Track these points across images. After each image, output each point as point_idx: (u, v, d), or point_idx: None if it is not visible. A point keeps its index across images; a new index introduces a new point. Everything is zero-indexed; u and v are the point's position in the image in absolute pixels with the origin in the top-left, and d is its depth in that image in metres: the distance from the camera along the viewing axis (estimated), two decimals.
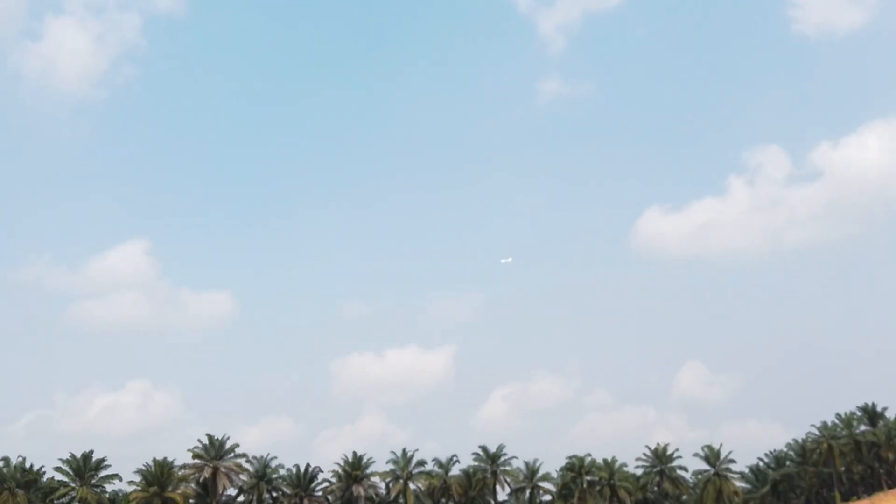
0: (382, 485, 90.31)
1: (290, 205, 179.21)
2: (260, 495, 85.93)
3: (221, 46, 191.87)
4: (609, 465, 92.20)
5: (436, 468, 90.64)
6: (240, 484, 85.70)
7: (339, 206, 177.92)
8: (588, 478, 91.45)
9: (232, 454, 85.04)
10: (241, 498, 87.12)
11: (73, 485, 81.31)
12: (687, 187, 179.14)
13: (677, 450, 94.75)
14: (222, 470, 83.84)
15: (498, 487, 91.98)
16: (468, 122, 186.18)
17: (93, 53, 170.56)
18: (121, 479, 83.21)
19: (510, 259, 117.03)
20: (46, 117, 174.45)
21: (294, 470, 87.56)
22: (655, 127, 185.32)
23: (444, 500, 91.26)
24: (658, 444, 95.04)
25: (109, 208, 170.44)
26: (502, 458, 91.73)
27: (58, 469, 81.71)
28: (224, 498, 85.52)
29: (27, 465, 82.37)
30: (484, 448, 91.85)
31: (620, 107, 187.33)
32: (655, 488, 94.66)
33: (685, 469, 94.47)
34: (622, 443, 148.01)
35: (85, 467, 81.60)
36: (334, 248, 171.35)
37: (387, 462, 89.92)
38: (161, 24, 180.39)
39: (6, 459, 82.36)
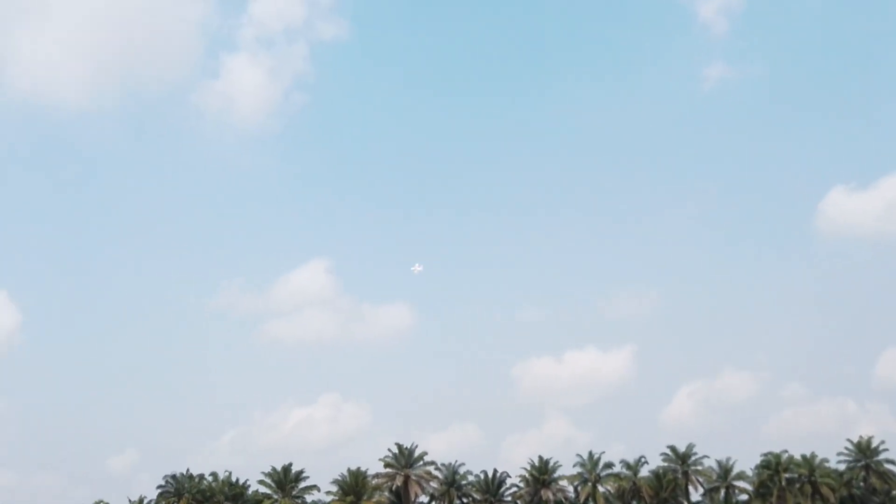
0: (571, 488, 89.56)
1: (460, 215, 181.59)
2: (451, 501, 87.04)
3: (386, 65, 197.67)
4: (808, 461, 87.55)
5: (624, 470, 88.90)
6: (431, 491, 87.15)
7: (508, 212, 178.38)
8: (786, 475, 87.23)
9: (421, 462, 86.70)
10: None
11: (275, 496, 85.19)
12: (872, 164, 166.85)
13: (883, 442, 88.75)
14: (413, 478, 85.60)
15: (690, 488, 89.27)
16: (634, 115, 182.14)
17: (266, 86, 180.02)
18: (319, 490, 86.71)
19: (420, 267, 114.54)
20: (228, 151, 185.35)
21: (482, 476, 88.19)
22: (831, 103, 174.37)
23: (634, 503, 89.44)
24: (861, 436, 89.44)
25: (291, 232, 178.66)
26: (693, 458, 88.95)
27: (261, 482, 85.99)
28: None
29: (233, 479, 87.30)
30: (673, 448, 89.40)
31: (792, 85, 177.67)
32: (861, 484, 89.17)
33: (894, 462, 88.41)
34: (820, 437, 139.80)
35: (285, 479, 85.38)
36: (505, 253, 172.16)
37: (573, 465, 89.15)
38: (327, 50, 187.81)
39: (214, 475, 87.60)
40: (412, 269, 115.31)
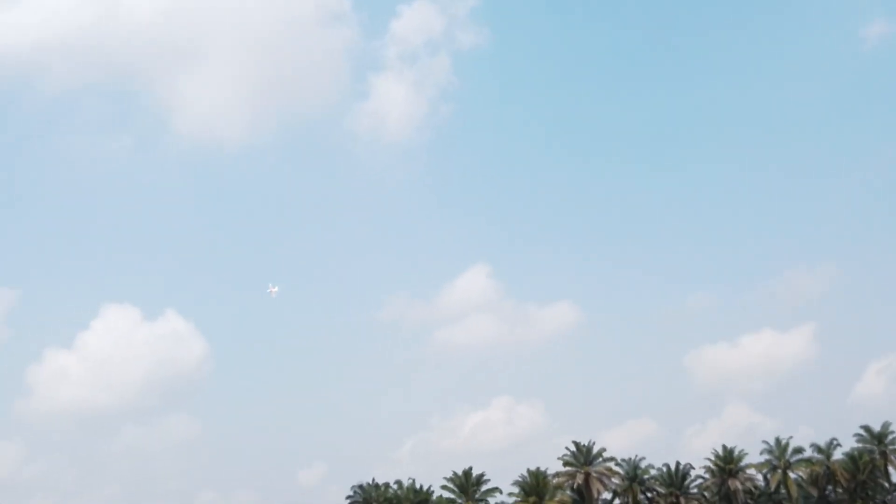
0: (759, 476, 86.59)
1: (617, 206, 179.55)
2: (634, 497, 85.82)
3: (527, 68, 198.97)
4: None
5: (815, 454, 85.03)
6: (613, 487, 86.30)
7: (669, 196, 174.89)
8: None
9: (600, 458, 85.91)
10: (616, 501, 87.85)
11: (459, 500, 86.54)
12: None
13: None
14: (594, 475, 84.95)
15: (889, 468, 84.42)
16: (794, 85, 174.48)
17: (412, 100, 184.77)
18: (501, 492, 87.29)
19: (275, 289, 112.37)
20: (382, 168, 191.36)
21: (665, 469, 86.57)
22: None
23: (830, 488, 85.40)
24: None
25: (449, 240, 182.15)
26: (890, 437, 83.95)
27: (444, 487, 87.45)
28: (600, 502, 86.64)
29: (417, 486, 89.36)
30: (867, 428, 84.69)
31: None
32: None
33: None
34: None
35: (467, 483, 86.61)
36: (669, 238, 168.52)
37: (760, 452, 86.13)
38: (468, 59, 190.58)
39: (399, 482, 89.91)
40: (268, 291, 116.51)
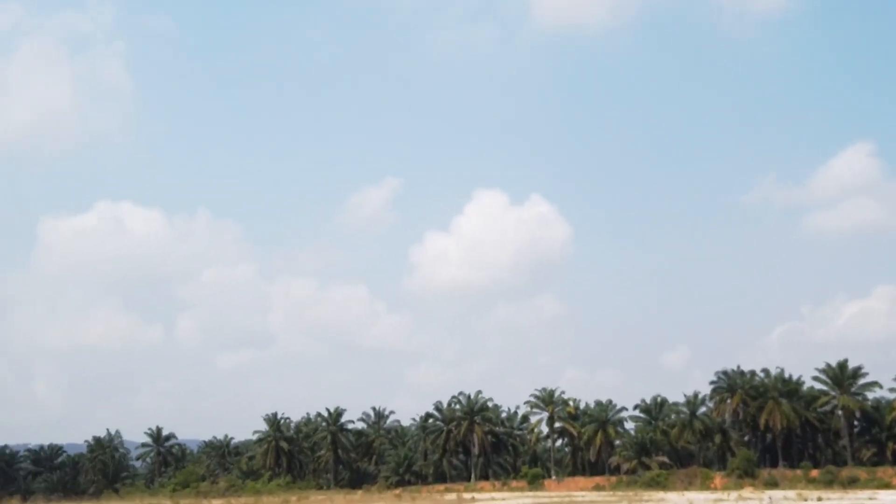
0: None
1: None
2: None
3: None
4: None
5: None
6: None
7: None
8: None
9: None
10: None
11: (832, 393, 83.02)
12: None
13: None
14: None
15: None
16: None
17: None
18: (881, 387, 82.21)
19: None
20: (748, 43, 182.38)
21: None
22: None
23: None
24: None
25: (824, 118, 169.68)
26: None
27: (815, 378, 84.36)
28: None
29: (786, 375, 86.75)
30: None
31: None
32: None
33: None
34: None
35: (842, 375, 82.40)
36: None
37: None
38: None
39: (766, 371, 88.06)
40: None
